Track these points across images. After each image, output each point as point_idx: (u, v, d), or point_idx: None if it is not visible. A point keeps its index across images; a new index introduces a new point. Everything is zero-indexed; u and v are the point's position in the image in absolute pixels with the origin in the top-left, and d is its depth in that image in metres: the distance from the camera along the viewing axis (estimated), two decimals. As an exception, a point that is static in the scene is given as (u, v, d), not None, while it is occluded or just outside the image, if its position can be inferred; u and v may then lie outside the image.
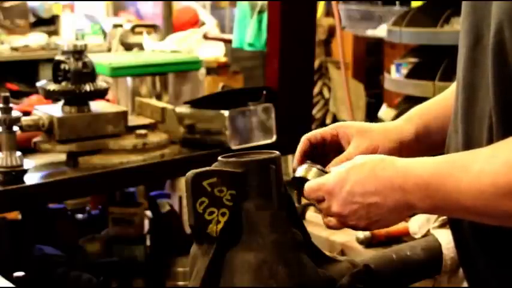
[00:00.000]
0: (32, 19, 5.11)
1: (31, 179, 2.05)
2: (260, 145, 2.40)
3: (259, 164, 1.12)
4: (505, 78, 0.96)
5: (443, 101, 1.26)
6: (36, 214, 2.48)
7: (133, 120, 2.39)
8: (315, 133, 1.23)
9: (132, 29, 3.41)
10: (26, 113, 2.20)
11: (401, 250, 1.40)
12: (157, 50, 3.03)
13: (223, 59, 5.23)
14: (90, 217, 2.83)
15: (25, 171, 2.02)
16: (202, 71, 3.01)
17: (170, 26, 4.08)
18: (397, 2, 4.34)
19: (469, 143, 1.04)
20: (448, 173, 0.95)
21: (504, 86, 0.96)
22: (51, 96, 2.24)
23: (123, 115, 2.27)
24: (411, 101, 3.85)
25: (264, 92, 2.49)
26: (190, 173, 1.08)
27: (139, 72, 2.78)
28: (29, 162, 2.05)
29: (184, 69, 2.89)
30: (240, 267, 1.07)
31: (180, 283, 2.71)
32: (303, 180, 1.15)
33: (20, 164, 2.00)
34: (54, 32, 5.16)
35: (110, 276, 2.58)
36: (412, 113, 1.28)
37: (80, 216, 2.82)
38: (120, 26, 3.61)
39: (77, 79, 2.18)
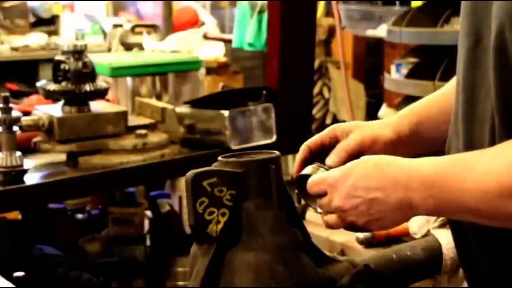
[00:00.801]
0: (32, 19, 5.11)
1: (31, 179, 2.05)
2: (260, 145, 2.40)
3: (259, 164, 1.12)
4: (507, 79, 0.96)
5: (442, 96, 1.26)
6: (36, 214, 2.48)
7: (133, 120, 2.39)
8: (314, 139, 1.22)
9: (132, 29, 3.41)
10: (26, 113, 2.20)
11: (401, 250, 1.40)
12: (157, 50, 3.03)
13: (223, 59, 5.23)
14: (90, 217, 2.83)
15: (25, 171, 2.02)
16: (202, 71, 3.01)
17: (170, 26, 4.08)
18: (397, 2, 4.34)
19: (471, 145, 1.04)
20: (452, 173, 0.94)
21: (506, 87, 0.96)
22: (51, 96, 2.24)
23: (123, 115, 2.27)
24: (411, 101, 3.84)
25: (264, 92, 2.49)
26: (190, 173, 1.08)
27: (139, 72, 2.78)
28: (29, 162, 2.05)
29: (184, 69, 2.89)
30: (240, 267, 1.07)
31: (180, 283, 2.71)
32: (308, 178, 1.14)
33: (20, 164, 2.00)
34: (54, 32, 5.15)
35: (110, 276, 2.58)
36: (410, 108, 1.28)
37: (80, 216, 2.82)
38: (120, 26, 3.61)
39: (77, 79, 2.18)
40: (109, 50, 3.57)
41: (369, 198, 1.01)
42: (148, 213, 2.85)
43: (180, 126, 2.41)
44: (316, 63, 4.59)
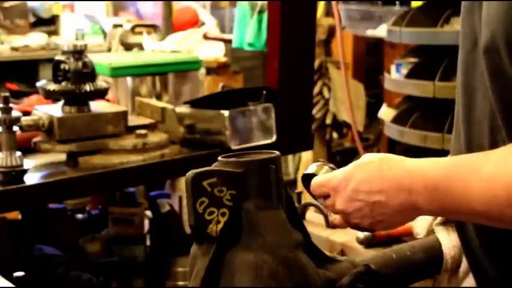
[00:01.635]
0: (32, 19, 5.11)
1: (31, 179, 2.05)
2: (260, 145, 2.40)
3: (259, 164, 1.12)
4: (501, 81, 0.96)
5: None
6: (36, 214, 2.48)
7: (133, 120, 2.39)
8: None
9: (132, 29, 3.41)
10: (26, 113, 2.20)
11: (401, 250, 1.40)
12: (157, 50, 3.03)
13: (223, 59, 5.23)
14: (90, 217, 2.83)
15: (25, 171, 2.02)
16: (202, 71, 3.01)
17: (170, 26, 4.08)
18: (397, 2, 4.34)
19: (471, 146, 1.04)
20: (458, 176, 0.94)
21: (500, 89, 0.96)
22: (51, 96, 2.24)
23: (123, 115, 2.27)
24: (411, 101, 3.85)
25: (264, 92, 2.49)
26: (190, 173, 1.08)
27: (139, 72, 2.78)
28: (29, 162, 2.05)
29: (184, 69, 2.89)
30: (240, 267, 1.07)
31: (180, 283, 2.71)
32: (313, 176, 1.14)
33: (20, 164, 2.00)
34: (54, 32, 5.15)
35: (110, 276, 2.58)
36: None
37: (80, 216, 2.82)
38: (120, 26, 3.61)
39: (77, 79, 2.18)
40: (109, 50, 3.57)
41: (372, 201, 1.01)
42: (148, 213, 2.85)
43: (180, 126, 2.41)
44: (316, 63, 4.58)
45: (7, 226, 2.36)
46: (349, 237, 1.85)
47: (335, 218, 1.10)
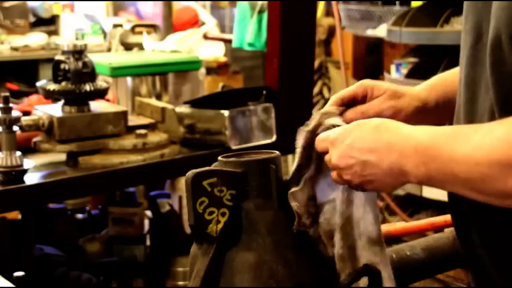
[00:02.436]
0: (32, 19, 5.11)
1: (31, 179, 2.05)
2: (260, 145, 2.40)
3: (259, 164, 1.12)
4: (503, 77, 0.96)
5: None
6: (36, 214, 2.48)
7: (133, 120, 2.39)
8: (348, 92, 1.23)
9: (132, 29, 3.41)
10: (26, 113, 2.20)
11: (401, 250, 1.40)
12: (157, 50, 3.03)
13: (223, 59, 5.23)
14: (90, 217, 2.83)
15: (25, 171, 2.02)
16: (202, 71, 3.01)
17: (170, 26, 4.08)
18: (397, 2, 4.33)
19: None
20: (446, 142, 0.95)
21: (502, 83, 0.97)
22: (51, 96, 2.24)
23: (123, 115, 2.27)
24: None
25: (264, 92, 2.49)
26: (190, 173, 1.08)
27: (139, 72, 2.78)
28: (29, 162, 2.05)
29: (184, 69, 2.89)
30: (240, 267, 1.07)
31: (180, 283, 2.71)
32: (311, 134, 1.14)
33: (20, 164, 2.00)
34: (54, 32, 5.16)
35: (110, 276, 2.58)
36: (433, 82, 1.28)
37: (79, 216, 2.82)
38: (120, 26, 3.61)
39: (77, 79, 2.18)
40: (109, 50, 3.57)
41: (362, 160, 1.02)
42: (148, 213, 2.85)
43: (180, 126, 2.41)
44: (316, 63, 4.58)
45: (7, 226, 2.36)
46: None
47: (332, 173, 1.09)
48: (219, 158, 1.14)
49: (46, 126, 2.14)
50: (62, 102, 2.23)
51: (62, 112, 2.19)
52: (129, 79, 2.88)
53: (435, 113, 1.24)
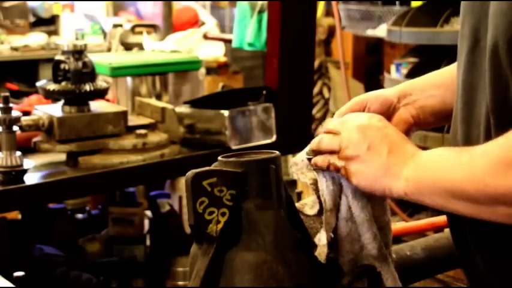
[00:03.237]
0: (32, 19, 5.12)
1: (31, 179, 2.05)
2: (260, 145, 2.40)
3: (259, 164, 1.12)
4: (501, 82, 0.96)
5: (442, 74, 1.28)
6: (36, 214, 2.48)
7: (133, 120, 2.39)
8: (349, 106, 1.23)
9: (132, 29, 3.41)
10: (26, 113, 2.20)
11: (401, 250, 1.40)
12: (157, 50, 3.03)
13: (223, 59, 5.23)
14: (90, 217, 2.83)
15: (25, 171, 2.02)
16: (202, 71, 3.01)
17: (170, 26, 4.08)
18: (397, 2, 4.33)
19: (468, 146, 1.04)
20: (443, 154, 0.98)
21: (499, 89, 0.97)
22: (51, 96, 2.24)
23: (123, 115, 2.27)
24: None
25: (264, 92, 2.49)
26: (190, 173, 1.08)
27: (139, 72, 2.78)
28: (29, 162, 2.05)
29: (184, 69, 2.89)
30: (240, 267, 1.07)
31: (180, 283, 2.71)
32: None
33: (20, 164, 2.00)
34: (54, 32, 5.16)
35: (110, 276, 2.58)
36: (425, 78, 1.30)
37: (79, 216, 2.82)
38: (120, 25, 3.61)
39: (77, 79, 2.18)
40: (109, 50, 3.57)
41: (365, 149, 1.04)
42: (148, 213, 2.85)
43: (180, 126, 2.41)
44: (316, 63, 4.58)
45: (7, 226, 2.36)
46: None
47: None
48: (219, 158, 1.14)
49: (46, 126, 2.14)
50: (62, 102, 2.23)
51: (62, 112, 2.19)
52: (129, 79, 2.88)
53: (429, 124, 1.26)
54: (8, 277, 1.52)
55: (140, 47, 3.18)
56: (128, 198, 2.83)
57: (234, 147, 2.36)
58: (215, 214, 1.09)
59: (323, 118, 4.59)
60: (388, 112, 1.22)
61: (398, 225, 1.87)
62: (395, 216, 3.59)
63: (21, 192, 2.01)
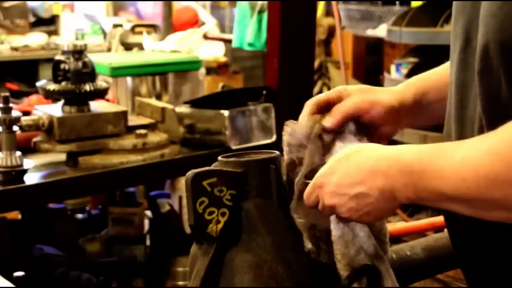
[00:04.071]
0: (32, 19, 5.11)
1: (31, 179, 2.05)
2: (260, 145, 2.40)
3: (259, 164, 1.12)
4: (490, 82, 0.96)
5: (443, 71, 1.26)
6: (36, 214, 2.48)
7: (133, 120, 2.39)
8: (322, 97, 1.21)
9: (132, 29, 3.41)
10: (26, 113, 2.20)
11: (401, 250, 1.40)
12: (157, 50, 3.03)
13: (223, 59, 5.23)
14: (90, 217, 2.83)
15: (25, 171, 2.02)
16: (202, 71, 3.01)
17: (170, 26, 4.08)
18: (397, 2, 4.34)
19: None
20: (431, 161, 0.94)
21: (489, 89, 0.97)
22: (51, 96, 2.24)
23: (123, 115, 2.27)
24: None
25: (264, 92, 2.49)
26: (190, 173, 1.08)
27: (139, 72, 2.78)
28: (29, 162, 2.05)
29: (184, 69, 2.89)
30: (240, 267, 1.07)
31: (180, 283, 2.71)
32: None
33: (20, 163, 2.00)
34: (54, 32, 5.16)
35: (110, 276, 2.58)
36: (412, 80, 1.28)
37: (80, 216, 2.82)
38: (120, 26, 3.61)
39: (76, 79, 2.18)
40: (109, 50, 3.57)
41: (354, 194, 1.01)
42: (148, 213, 2.85)
43: (180, 126, 2.41)
44: (316, 63, 4.59)
45: (7, 226, 2.36)
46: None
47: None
48: (219, 158, 1.14)
49: (46, 126, 2.14)
50: (62, 102, 2.23)
51: (62, 112, 2.19)
52: (129, 79, 2.88)
53: (416, 111, 1.23)
54: (8, 277, 1.52)
55: (140, 47, 3.18)
56: (128, 198, 2.83)
57: (234, 147, 2.36)
58: (215, 214, 1.09)
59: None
60: (387, 122, 1.21)
61: (398, 225, 1.87)
62: (396, 216, 3.59)
63: (21, 192, 2.01)
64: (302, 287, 1.09)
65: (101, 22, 5.14)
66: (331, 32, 4.80)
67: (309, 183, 1.09)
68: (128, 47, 3.33)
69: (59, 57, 2.22)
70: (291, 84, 2.60)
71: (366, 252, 1.12)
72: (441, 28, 3.59)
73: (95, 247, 2.67)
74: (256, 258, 1.07)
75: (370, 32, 4.53)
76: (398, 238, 1.80)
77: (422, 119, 1.25)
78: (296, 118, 1.27)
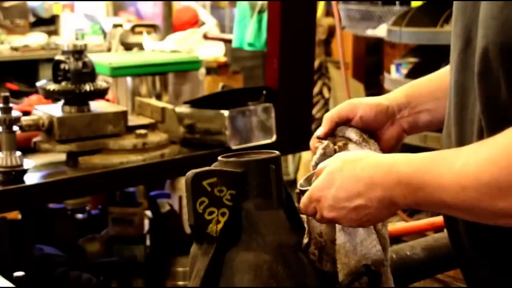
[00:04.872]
0: (32, 19, 5.11)
1: (31, 179, 2.05)
2: (260, 145, 2.40)
3: (259, 164, 1.12)
4: (490, 84, 0.96)
5: (436, 77, 1.27)
6: (36, 214, 2.48)
7: (133, 120, 2.39)
8: (338, 114, 1.22)
9: (132, 29, 3.41)
10: (26, 113, 2.20)
11: (401, 250, 1.40)
12: (157, 50, 3.03)
13: (223, 59, 5.23)
14: (90, 217, 2.83)
15: (25, 171, 2.02)
16: (202, 71, 3.01)
17: (170, 26, 4.07)
18: (397, 2, 4.33)
19: (463, 146, 1.04)
20: (430, 170, 0.94)
21: (489, 91, 0.96)
22: (51, 96, 2.24)
23: (123, 115, 2.27)
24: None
25: (264, 92, 2.49)
26: (190, 173, 1.08)
27: (139, 72, 2.78)
28: (29, 162, 2.05)
29: (184, 69, 2.89)
30: (240, 267, 1.07)
31: (180, 283, 2.71)
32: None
33: (20, 163, 2.00)
34: (54, 32, 5.16)
35: (110, 276, 2.58)
36: (410, 84, 1.29)
37: (80, 216, 2.82)
38: (120, 26, 3.60)
39: (76, 79, 2.18)
40: (109, 50, 3.57)
41: (353, 206, 1.01)
42: (148, 213, 2.85)
43: (180, 126, 2.41)
44: (316, 63, 4.58)
45: (7, 226, 2.36)
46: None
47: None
48: (219, 158, 1.14)
49: (46, 126, 2.14)
50: (62, 102, 2.23)
51: (62, 112, 2.19)
52: (129, 79, 2.88)
53: (412, 108, 1.24)
54: (8, 277, 1.52)
55: (140, 47, 3.18)
56: (128, 198, 2.83)
57: (234, 147, 2.36)
58: (215, 214, 1.09)
59: (323, 118, 4.59)
60: (381, 122, 1.21)
61: (398, 225, 1.87)
62: (395, 216, 3.59)
63: (21, 192, 2.01)
64: (302, 287, 1.09)
65: (101, 22, 5.13)
66: (331, 32, 4.80)
67: (302, 191, 1.09)
68: (127, 47, 3.33)
69: (59, 57, 2.22)
70: (291, 84, 2.61)
71: (373, 257, 1.12)
72: (441, 28, 3.59)
73: (95, 247, 2.67)
74: (256, 258, 1.07)
75: (370, 32, 4.53)
76: (398, 238, 1.80)
77: (422, 120, 1.25)
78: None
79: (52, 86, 2.19)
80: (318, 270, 1.14)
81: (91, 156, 2.20)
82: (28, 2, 5.06)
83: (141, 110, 2.53)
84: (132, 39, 3.35)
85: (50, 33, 5.07)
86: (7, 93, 2.01)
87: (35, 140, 2.19)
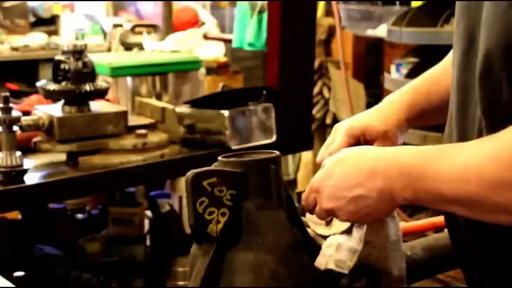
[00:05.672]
0: (32, 19, 5.11)
1: (31, 179, 2.05)
2: (260, 145, 2.40)
3: (259, 164, 1.12)
4: (492, 85, 0.96)
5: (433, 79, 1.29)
6: (36, 214, 2.48)
7: (133, 120, 2.39)
8: (352, 134, 1.23)
9: (132, 28, 3.41)
10: (26, 113, 2.20)
11: (401, 250, 1.39)
12: (157, 50, 3.03)
13: (223, 59, 5.23)
14: (90, 217, 2.83)
15: (25, 171, 2.02)
16: (202, 71, 3.01)
17: (170, 26, 4.08)
18: (397, 2, 4.33)
19: None
20: (432, 163, 0.94)
21: (490, 92, 0.97)
22: (51, 96, 2.24)
23: (123, 115, 2.28)
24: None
25: (264, 92, 2.49)
26: (190, 173, 1.08)
27: (139, 72, 2.78)
28: (29, 162, 2.05)
29: (184, 69, 2.89)
30: (240, 267, 1.07)
31: (180, 283, 2.71)
32: None
33: (20, 164, 2.00)
34: (54, 32, 5.15)
35: (110, 276, 2.58)
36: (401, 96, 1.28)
37: (80, 216, 2.82)
38: (120, 25, 3.61)
39: (77, 79, 2.18)
40: (109, 50, 3.57)
41: (352, 196, 1.02)
42: (148, 213, 2.85)
43: (180, 126, 2.41)
44: (316, 63, 4.58)
45: (7, 226, 2.36)
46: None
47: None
48: (219, 158, 1.14)
49: (46, 126, 2.14)
50: (62, 102, 2.23)
51: (62, 112, 2.19)
52: (129, 79, 2.88)
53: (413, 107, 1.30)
54: (8, 277, 1.52)
55: (140, 47, 3.18)
56: (128, 198, 2.83)
57: (234, 147, 2.36)
58: (215, 214, 1.09)
59: (323, 118, 4.59)
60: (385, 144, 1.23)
61: (398, 225, 1.87)
62: (395, 216, 3.59)
63: (21, 192, 2.01)
64: (302, 287, 1.09)
65: (101, 22, 5.13)
66: (331, 32, 4.80)
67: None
68: (128, 47, 3.34)
69: (59, 57, 2.23)
70: (291, 84, 2.61)
71: (395, 274, 1.12)
72: (441, 28, 3.59)
73: (95, 247, 2.67)
74: (256, 258, 1.07)
75: (370, 32, 4.53)
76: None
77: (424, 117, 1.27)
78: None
79: (52, 86, 2.19)
80: (318, 270, 1.14)
81: (91, 156, 2.20)
82: (28, 2, 5.06)
83: (141, 110, 2.53)
84: (132, 39, 3.36)
85: (50, 33, 5.07)
86: (7, 93, 2.01)
87: (35, 140, 2.19)
